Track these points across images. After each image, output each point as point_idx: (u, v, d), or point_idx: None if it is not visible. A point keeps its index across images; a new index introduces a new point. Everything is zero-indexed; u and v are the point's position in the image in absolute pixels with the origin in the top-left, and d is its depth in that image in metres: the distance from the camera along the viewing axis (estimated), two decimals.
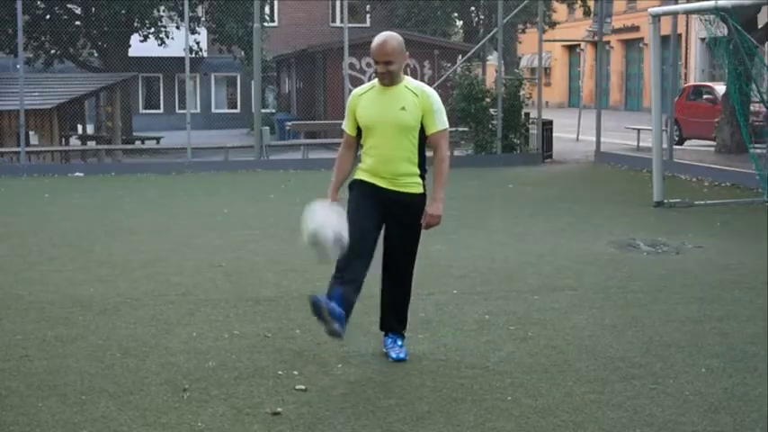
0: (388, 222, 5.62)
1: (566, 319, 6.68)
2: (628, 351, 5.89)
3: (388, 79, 5.53)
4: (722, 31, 13.94)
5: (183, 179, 17.40)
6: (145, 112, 37.87)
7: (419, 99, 5.52)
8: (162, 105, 38.91)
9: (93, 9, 26.43)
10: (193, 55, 24.65)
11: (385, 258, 5.71)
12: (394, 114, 5.48)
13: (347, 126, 5.71)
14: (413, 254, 5.73)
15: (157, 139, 25.82)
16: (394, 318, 5.81)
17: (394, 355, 5.70)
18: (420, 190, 5.60)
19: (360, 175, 5.66)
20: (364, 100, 5.61)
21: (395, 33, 5.62)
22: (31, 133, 20.67)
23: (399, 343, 5.79)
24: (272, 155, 20.84)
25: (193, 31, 25.51)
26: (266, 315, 6.88)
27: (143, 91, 38.68)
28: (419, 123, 5.52)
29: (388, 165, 5.53)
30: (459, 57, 23.88)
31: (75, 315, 6.89)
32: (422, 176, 5.61)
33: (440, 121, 5.56)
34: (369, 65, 25.89)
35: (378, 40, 5.53)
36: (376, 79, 5.66)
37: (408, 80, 5.64)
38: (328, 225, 5.28)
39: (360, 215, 5.52)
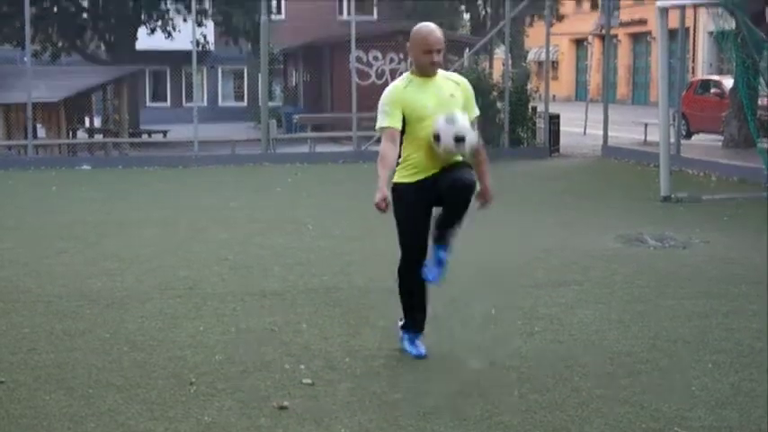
0: (439, 183, 5.46)
1: (572, 314, 6.68)
2: (634, 346, 5.89)
3: (439, 67, 5.53)
4: (730, 24, 13.91)
5: (190, 172, 17.41)
6: (152, 105, 37.87)
7: (461, 87, 5.60)
8: (169, 98, 38.93)
9: (101, 2, 26.44)
10: (200, 48, 24.62)
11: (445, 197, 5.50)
12: (448, 103, 5.46)
13: (392, 120, 5.43)
14: (472, 186, 5.52)
15: (164, 133, 25.82)
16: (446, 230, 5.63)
17: (430, 277, 5.62)
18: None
19: (403, 177, 5.51)
20: (410, 92, 5.48)
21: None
22: (38, 126, 20.73)
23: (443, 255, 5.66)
24: (278, 148, 20.84)
25: (200, 24, 25.52)
26: (273, 309, 6.89)
27: (150, 84, 38.69)
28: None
29: (445, 158, 5.45)
30: (467, 50, 23.85)
31: (82, 308, 6.91)
32: None
33: (476, 108, 5.71)
34: (376, 58, 25.90)
35: (427, 28, 5.53)
36: (406, 73, 5.62)
37: (440, 71, 5.62)
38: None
39: (414, 228, 5.53)
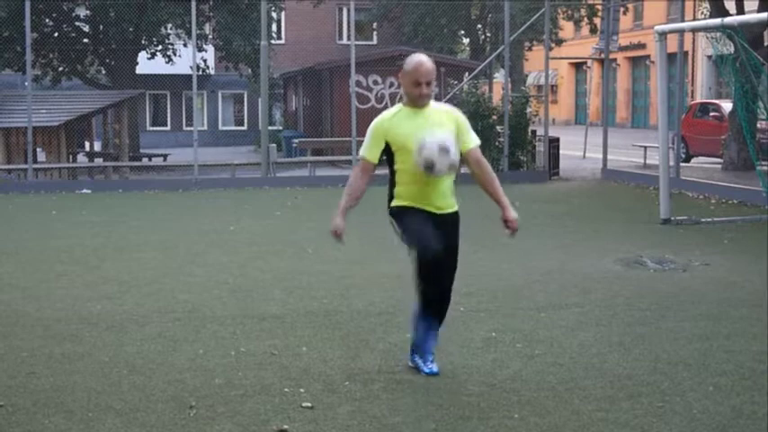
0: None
1: (573, 337, 6.67)
2: (635, 369, 5.87)
3: (429, 99, 5.56)
4: (729, 48, 13.97)
5: (190, 196, 17.42)
6: (152, 129, 37.98)
7: (452, 118, 5.61)
8: (169, 122, 39.03)
9: (102, 27, 26.56)
10: (200, 72, 24.71)
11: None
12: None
13: (370, 153, 5.54)
14: (455, 269, 5.72)
15: (164, 156, 25.90)
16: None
17: (427, 370, 5.74)
18: (456, 208, 5.68)
19: (401, 202, 5.58)
20: (396, 122, 5.52)
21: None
22: (38, 150, 20.76)
23: (431, 358, 5.81)
24: (278, 172, 20.87)
25: (200, 49, 25.62)
26: (273, 332, 6.88)
27: (150, 108, 38.80)
28: None
29: (436, 187, 5.51)
30: (466, 74, 23.94)
31: (81, 332, 6.90)
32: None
33: (475, 137, 5.69)
34: (375, 82, 25.99)
35: (418, 60, 5.53)
36: (398, 104, 5.66)
37: (433, 103, 5.67)
38: (431, 141, 5.34)
39: (421, 223, 5.50)
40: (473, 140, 5.64)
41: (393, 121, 5.55)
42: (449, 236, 5.57)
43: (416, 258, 5.50)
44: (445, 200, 5.59)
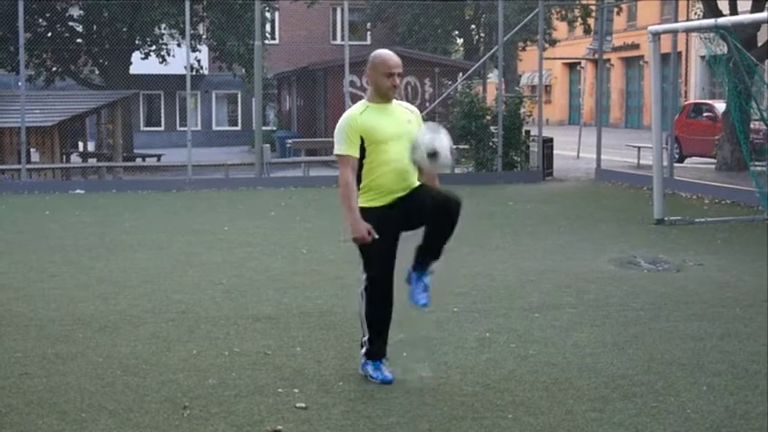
0: (409, 210, 5.54)
1: (567, 337, 6.67)
2: (629, 369, 5.88)
3: (396, 91, 5.63)
4: (722, 48, 13.98)
5: (184, 196, 17.40)
6: (146, 129, 37.90)
7: (414, 116, 5.72)
8: (163, 123, 38.96)
9: (95, 27, 26.52)
10: (194, 72, 24.67)
11: (427, 218, 5.56)
12: (406, 128, 5.57)
13: (352, 149, 5.51)
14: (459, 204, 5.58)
15: (158, 157, 25.87)
16: (432, 255, 5.72)
17: (423, 302, 5.73)
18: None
19: (366, 202, 5.53)
20: (368, 118, 5.55)
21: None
22: (32, 150, 20.71)
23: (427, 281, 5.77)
24: (272, 172, 20.87)
25: (194, 49, 25.56)
26: (266, 332, 6.87)
27: (144, 108, 38.72)
28: None
29: (406, 178, 5.55)
30: (460, 74, 23.96)
31: (75, 332, 6.88)
32: None
33: None
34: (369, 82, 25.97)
35: (385, 52, 5.65)
36: (362, 101, 5.70)
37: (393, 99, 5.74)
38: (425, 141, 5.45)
39: (383, 254, 5.52)
40: None
41: (364, 115, 5.57)
42: (427, 191, 5.58)
43: (368, 283, 5.58)
44: (412, 178, 5.58)
